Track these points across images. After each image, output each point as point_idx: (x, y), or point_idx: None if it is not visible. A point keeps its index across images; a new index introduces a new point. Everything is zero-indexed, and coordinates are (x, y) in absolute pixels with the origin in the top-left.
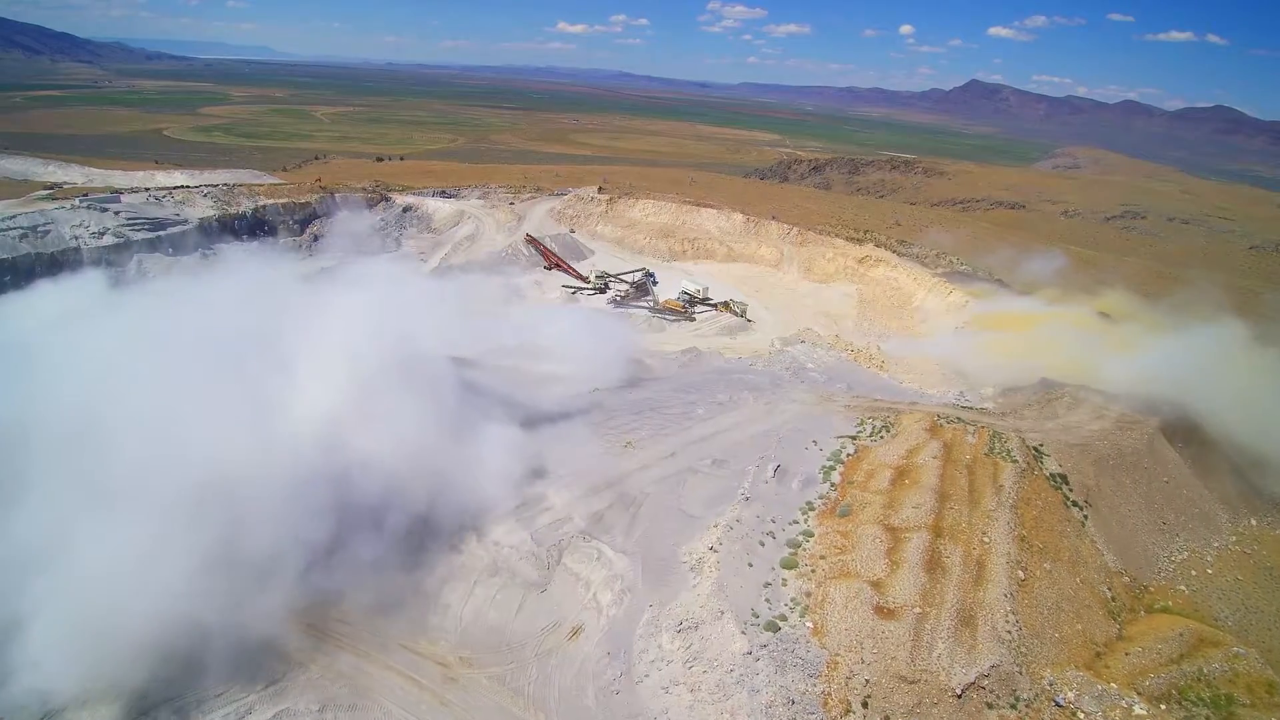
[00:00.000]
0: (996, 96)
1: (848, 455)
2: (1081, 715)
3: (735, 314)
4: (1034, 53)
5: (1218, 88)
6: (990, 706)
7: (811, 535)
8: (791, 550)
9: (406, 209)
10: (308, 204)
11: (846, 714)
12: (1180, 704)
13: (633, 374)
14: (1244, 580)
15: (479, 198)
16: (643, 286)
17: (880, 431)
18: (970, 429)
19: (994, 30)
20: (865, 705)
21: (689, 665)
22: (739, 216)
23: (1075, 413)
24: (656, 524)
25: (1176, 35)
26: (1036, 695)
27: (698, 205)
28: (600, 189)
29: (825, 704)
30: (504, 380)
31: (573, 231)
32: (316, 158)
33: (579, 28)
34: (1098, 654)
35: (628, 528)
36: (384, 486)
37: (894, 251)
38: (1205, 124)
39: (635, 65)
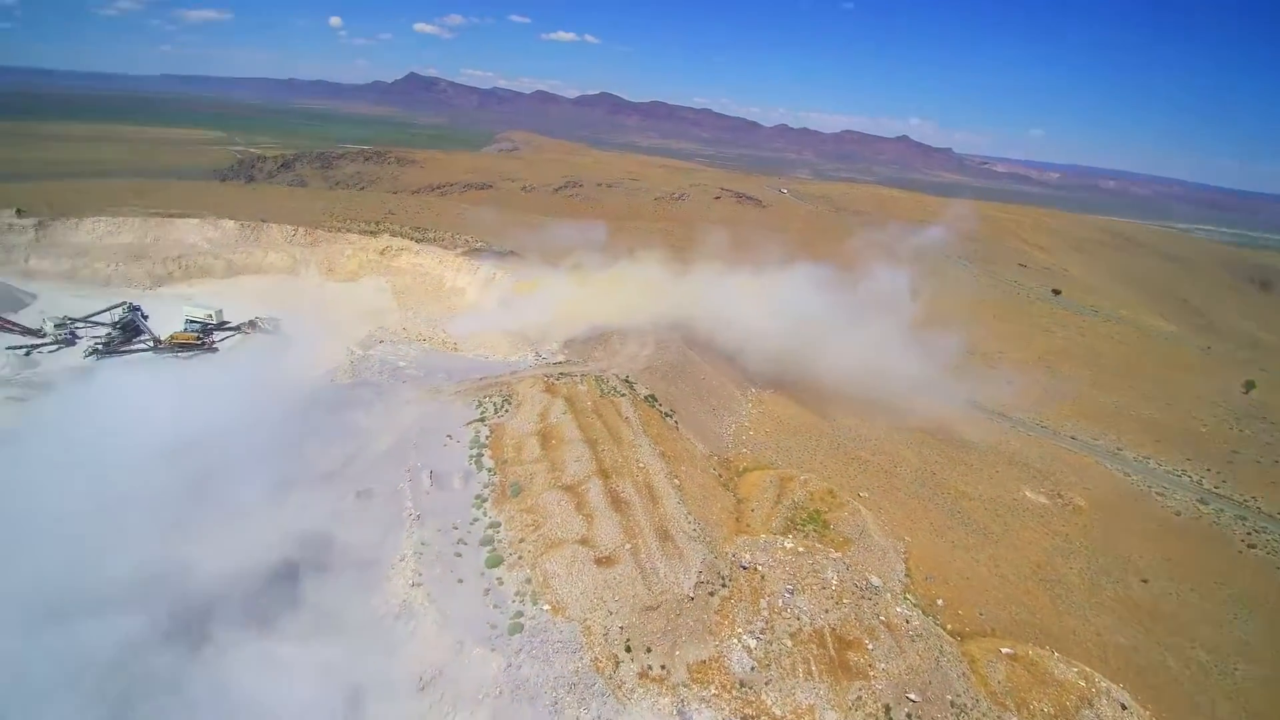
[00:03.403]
0: (435, 88)
1: (486, 437)
2: (760, 568)
3: (267, 332)
4: (459, 48)
5: (601, 77)
6: (712, 593)
7: (499, 525)
8: (489, 548)
9: None
10: None
11: (618, 666)
12: (796, 528)
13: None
14: (771, 430)
15: None
16: (130, 325)
17: (503, 406)
18: (578, 379)
19: (420, 26)
20: (629, 649)
21: (450, 716)
22: (229, 223)
23: (628, 346)
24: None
25: (564, 35)
26: (731, 567)
27: (170, 216)
28: (19, 211)
29: (598, 668)
30: None
31: None
32: None
33: None
34: (738, 518)
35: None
36: None
37: (412, 239)
38: (598, 107)
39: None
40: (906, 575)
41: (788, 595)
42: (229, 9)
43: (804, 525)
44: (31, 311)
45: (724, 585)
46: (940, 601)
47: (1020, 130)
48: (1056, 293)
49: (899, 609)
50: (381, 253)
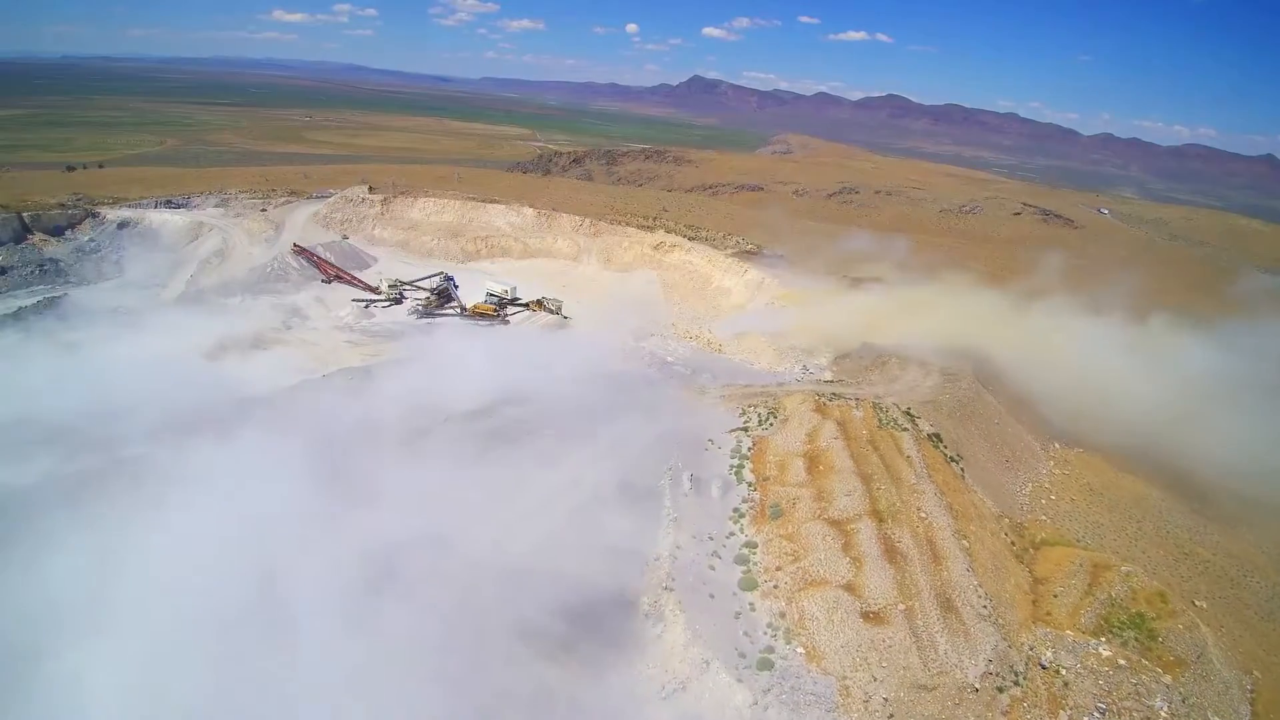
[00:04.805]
0: (716, 91)
1: (749, 449)
2: (1064, 670)
3: (551, 312)
4: (742, 51)
5: (888, 78)
6: (1000, 689)
7: (755, 546)
8: (744, 568)
9: (123, 224)
10: None
11: None
12: (1112, 631)
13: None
14: (1078, 500)
15: (217, 205)
16: (444, 292)
17: (768, 419)
18: (853, 403)
19: (707, 30)
20: None
21: None
22: (529, 210)
23: (908, 372)
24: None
25: (853, 35)
26: (1027, 664)
27: (483, 201)
28: (371, 188)
29: None
30: None
31: (346, 238)
32: None
33: (298, 16)
34: (1034, 602)
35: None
36: None
37: (684, 236)
38: (881, 110)
39: (367, 58)
40: None
41: (1097, 715)
42: (542, 19)
43: (1122, 630)
44: (371, 272)
45: (1016, 683)
46: None
47: None
48: None
49: None
50: (655, 248)
